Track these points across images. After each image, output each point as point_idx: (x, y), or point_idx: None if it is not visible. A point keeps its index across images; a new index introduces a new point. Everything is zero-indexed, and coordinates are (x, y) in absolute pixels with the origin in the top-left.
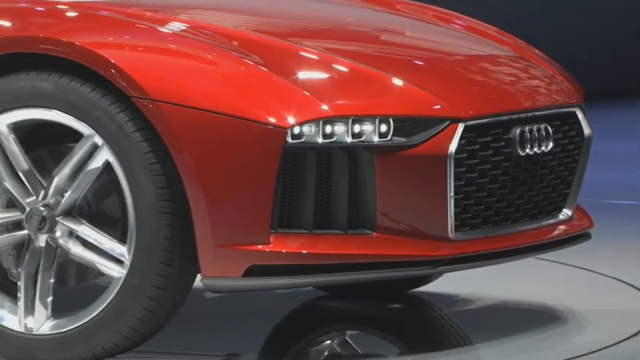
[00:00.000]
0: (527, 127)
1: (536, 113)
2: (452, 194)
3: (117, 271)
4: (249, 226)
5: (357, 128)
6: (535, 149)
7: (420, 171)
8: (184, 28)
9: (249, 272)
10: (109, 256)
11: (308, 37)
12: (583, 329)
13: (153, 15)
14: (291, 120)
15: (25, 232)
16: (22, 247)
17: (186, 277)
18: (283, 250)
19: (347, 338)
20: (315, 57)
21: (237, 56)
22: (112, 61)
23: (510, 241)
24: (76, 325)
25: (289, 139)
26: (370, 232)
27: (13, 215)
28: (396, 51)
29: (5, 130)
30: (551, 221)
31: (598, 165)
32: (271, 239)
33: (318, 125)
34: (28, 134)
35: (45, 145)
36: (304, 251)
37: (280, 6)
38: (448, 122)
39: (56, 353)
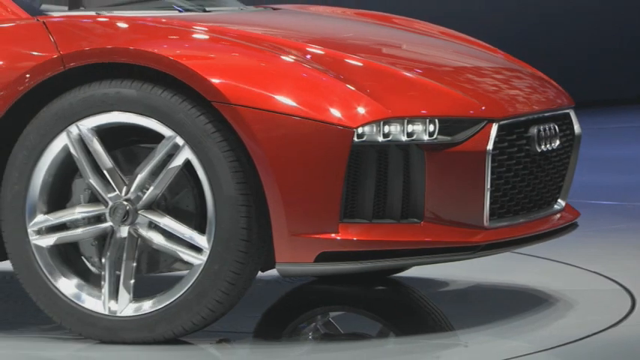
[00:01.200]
0: (542, 127)
1: (546, 114)
2: (488, 187)
3: (197, 259)
4: (321, 217)
5: (410, 128)
6: (547, 146)
7: (462, 166)
8: (273, 43)
9: (320, 258)
10: (189, 244)
11: (363, 51)
12: (563, 319)
13: (229, 30)
14: (357, 121)
15: (108, 224)
16: (103, 238)
17: (257, 262)
18: (353, 238)
19: (331, 319)
20: (372, 67)
21: (307, 66)
22: (195, 70)
23: (528, 229)
24: (158, 308)
25: (355, 138)
26: (419, 221)
27: (97, 209)
28: (432, 61)
29: (89, 132)
30: (550, 211)
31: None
32: (340, 228)
33: (379, 125)
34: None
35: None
36: (368, 239)
37: (334, 25)
38: (485, 122)
39: (140, 333)
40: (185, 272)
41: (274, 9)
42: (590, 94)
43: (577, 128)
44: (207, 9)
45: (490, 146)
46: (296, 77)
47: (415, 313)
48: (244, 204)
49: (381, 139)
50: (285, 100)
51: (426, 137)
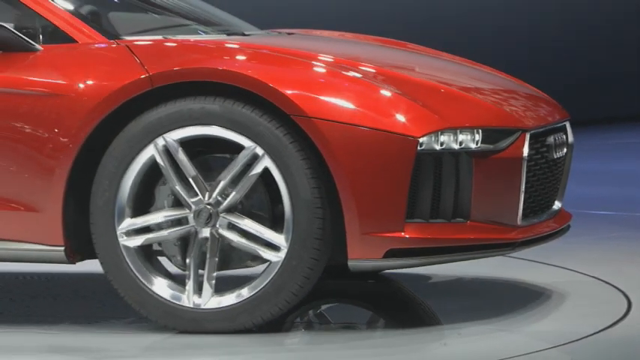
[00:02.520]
0: (556, 136)
1: (556, 125)
2: (522, 189)
3: (275, 256)
4: (389, 217)
5: (460, 137)
6: (559, 153)
7: (502, 171)
8: (331, 61)
9: (388, 254)
10: (267, 243)
11: (419, 72)
12: (559, 320)
13: (292, 50)
14: (420, 131)
15: (191, 226)
16: (184, 239)
17: (326, 259)
18: (416, 236)
19: (323, 312)
20: (423, 83)
21: (372, 82)
22: (275, 86)
23: (545, 228)
24: (239, 301)
25: (418, 147)
26: (465, 221)
27: (181, 213)
28: (461, 79)
29: (175, 143)
30: (553, 211)
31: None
32: (405, 227)
33: (436, 135)
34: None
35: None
36: (428, 236)
37: (367, 49)
38: (520, 132)
39: (222, 323)
40: (252, 268)
41: (289, 34)
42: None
43: (571, 138)
44: (245, 32)
45: (525, 153)
46: (364, 92)
47: (399, 303)
48: (319, 206)
49: (437, 147)
50: (357, 113)
51: (473, 145)
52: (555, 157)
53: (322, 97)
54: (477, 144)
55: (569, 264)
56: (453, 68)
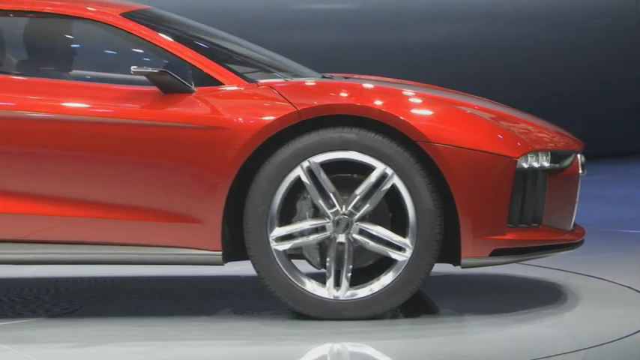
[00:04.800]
0: (583, 157)
1: (580, 150)
2: (577, 200)
3: (402, 256)
4: (495, 223)
5: (540, 158)
6: (584, 172)
7: (565, 185)
8: (440, 97)
9: (493, 253)
10: (394, 245)
11: (493, 107)
12: (593, 323)
13: (405, 88)
14: (517, 153)
15: (330, 232)
16: (322, 243)
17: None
18: (514, 238)
19: None
20: (506, 116)
21: (478, 115)
22: (403, 117)
23: (580, 234)
24: (372, 293)
25: (516, 167)
26: (538, 226)
27: (322, 222)
28: (519, 114)
29: (317, 166)
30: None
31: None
32: (506, 231)
33: (525, 157)
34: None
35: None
36: (522, 238)
37: (461, 96)
38: (574, 153)
39: (358, 312)
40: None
41: (346, 77)
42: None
43: None
44: (325, 75)
45: (580, 170)
46: (472, 122)
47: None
48: (438, 215)
49: (525, 166)
50: (470, 139)
51: (547, 164)
52: (582, 174)
53: (441, 126)
54: (549, 163)
55: (606, 275)
56: (500, 106)
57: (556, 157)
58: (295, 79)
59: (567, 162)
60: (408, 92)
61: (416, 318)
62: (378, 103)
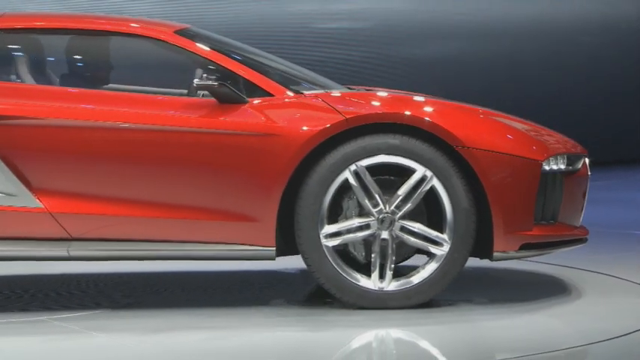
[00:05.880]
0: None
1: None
2: (586, 198)
3: (440, 250)
4: (524, 220)
5: (558, 161)
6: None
7: (578, 186)
8: (471, 106)
9: (522, 247)
10: (432, 240)
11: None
12: (603, 319)
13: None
14: (542, 157)
15: (372, 230)
16: (366, 239)
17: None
18: (539, 234)
19: None
20: (529, 124)
21: (507, 123)
22: (441, 125)
23: (586, 231)
24: (414, 284)
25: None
26: (554, 222)
27: (368, 220)
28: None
29: (363, 169)
30: None
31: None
32: (533, 227)
33: (548, 160)
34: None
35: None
36: (546, 234)
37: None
38: (583, 157)
39: (401, 301)
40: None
41: (367, 89)
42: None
43: None
44: (350, 87)
45: (589, 172)
46: (504, 129)
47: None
48: (473, 213)
49: (547, 168)
50: (502, 144)
51: (563, 167)
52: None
53: (476, 133)
54: (565, 166)
55: (618, 273)
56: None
57: (570, 160)
58: (333, 91)
59: (579, 165)
60: (445, 102)
61: (449, 306)
62: (420, 111)
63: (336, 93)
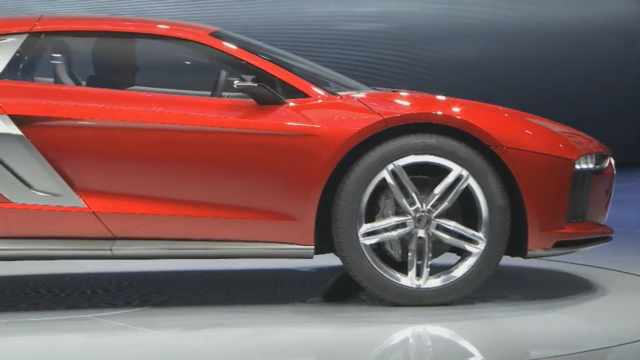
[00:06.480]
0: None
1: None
2: (611, 198)
3: (476, 248)
4: (557, 218)
5: (588, 160)
6: None
7: (605, 184)
8: (511, 110)
9: (555, 245)
10: (467, 238)
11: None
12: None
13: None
14: (574, 156)
15: (409, 228)
16: (403, 237)
17: None
18: (572, 231)
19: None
20: (559, 125)
21: (541, 124)
22: (479, 126)
23: (611, 229)
24: (449, 282)
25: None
26: (582, 220)
27: (405, 219)
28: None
29: (400, 168)
30: None
31: None
32: (566, 225)
33: (579, 160)
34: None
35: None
36: (577, 231)
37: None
38: (609, 156)
39: (437, 299)
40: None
41: (394, 91)
42: None
43: None
44: (376, 88)
45: (615, 171)
46: (538, 129)
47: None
48: (507, 211)
49: (578, 167)
50: (536, 144)
51: (592, 166)
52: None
53: (511, 132)
54: (593, 165)
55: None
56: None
57: (598, 159)
58: (367, 92)
59: (605, 164)
60: (478, 103)
61: (484, 303)
62: (456, 112)
63: (370, 94)
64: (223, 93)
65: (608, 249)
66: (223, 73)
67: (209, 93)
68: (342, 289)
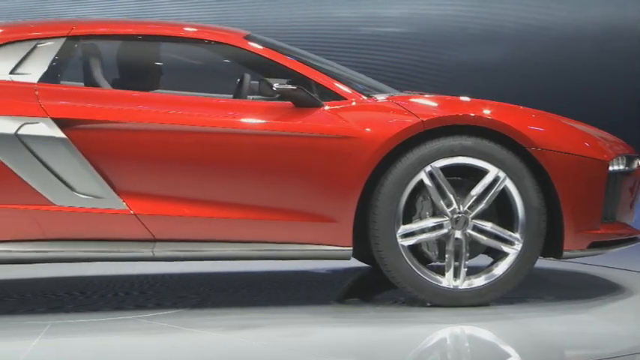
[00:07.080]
0: None
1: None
2: (639, 198)
3: (513, 249)
4: (592, 219)
5: (619, 162)
6: None
7: (633, 184)
8: (541, 112)
9: (590, 246)
10: (504, 239)
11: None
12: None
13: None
14: (608, 157)
15: (445, 229)
16: (439, 238)
17: None
18: (606, 232)
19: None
20: (590, 127)
21: (575, 126)
22: (517, 128)
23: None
24: (487, 282)
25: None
26: (613, 221)
27: (442, 220)
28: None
29: (437, 170)
30: None
31: None
32: (600, 226)
33: (611, 161)
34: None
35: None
36: (611, 232)
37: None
38: (637, 157)
39: (474, 299)
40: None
41: (421, 94)
42: None
43: None
44: (404, 91)
45: None
46: (573, 131)
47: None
48: (544, 212)
49: (610, 169)
50: (572, 145)
51: (623, 167)
52: None
53: (548, 134)
54: (624, 166)
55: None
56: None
57: (628, 160)
58: (403, 94)
59: (634, 165)
60: (512, 106)
61: (520, 304)
62: (494, 114)
63: (404, 96)
64: (248, 96)
65: (629, 251)
66: (247, 77)
67: (231, 96)
68: (373, 289)
